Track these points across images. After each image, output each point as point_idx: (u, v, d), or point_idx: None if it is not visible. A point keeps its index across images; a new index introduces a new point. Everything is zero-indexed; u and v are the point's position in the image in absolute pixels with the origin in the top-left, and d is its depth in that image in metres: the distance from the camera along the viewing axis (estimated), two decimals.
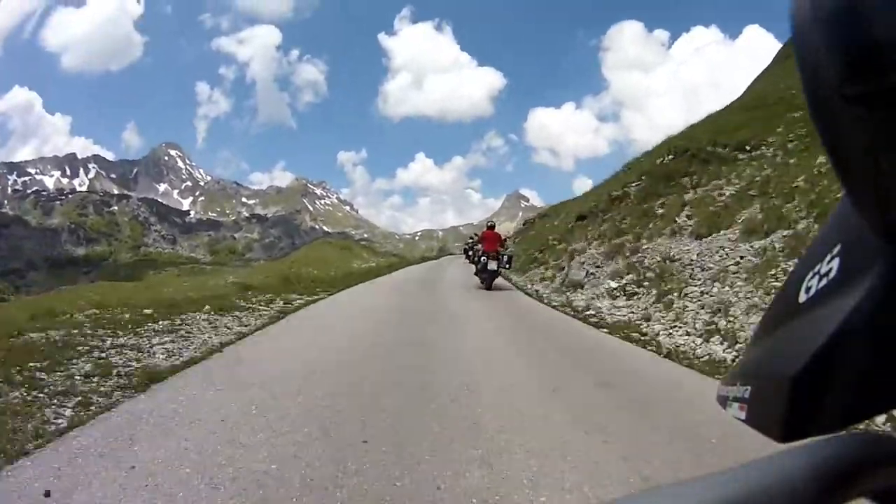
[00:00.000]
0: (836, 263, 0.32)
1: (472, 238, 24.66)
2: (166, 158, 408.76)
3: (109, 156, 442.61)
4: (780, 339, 0.36)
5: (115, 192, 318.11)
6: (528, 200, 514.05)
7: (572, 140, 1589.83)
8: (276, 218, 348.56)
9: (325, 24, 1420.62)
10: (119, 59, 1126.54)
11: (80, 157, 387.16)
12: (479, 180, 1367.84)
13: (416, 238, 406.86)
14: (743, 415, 0.37)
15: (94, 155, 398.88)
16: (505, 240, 14.50)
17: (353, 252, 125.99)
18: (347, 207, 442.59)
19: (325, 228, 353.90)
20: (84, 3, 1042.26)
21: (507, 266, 13.72)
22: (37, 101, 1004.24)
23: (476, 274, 14.24)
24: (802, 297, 0.34)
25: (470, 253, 24.11)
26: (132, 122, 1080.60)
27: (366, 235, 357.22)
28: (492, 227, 14.12)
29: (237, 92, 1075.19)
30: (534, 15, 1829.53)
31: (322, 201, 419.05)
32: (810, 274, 0.34)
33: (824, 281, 0.32)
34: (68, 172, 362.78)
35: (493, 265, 13.08)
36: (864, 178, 0.25)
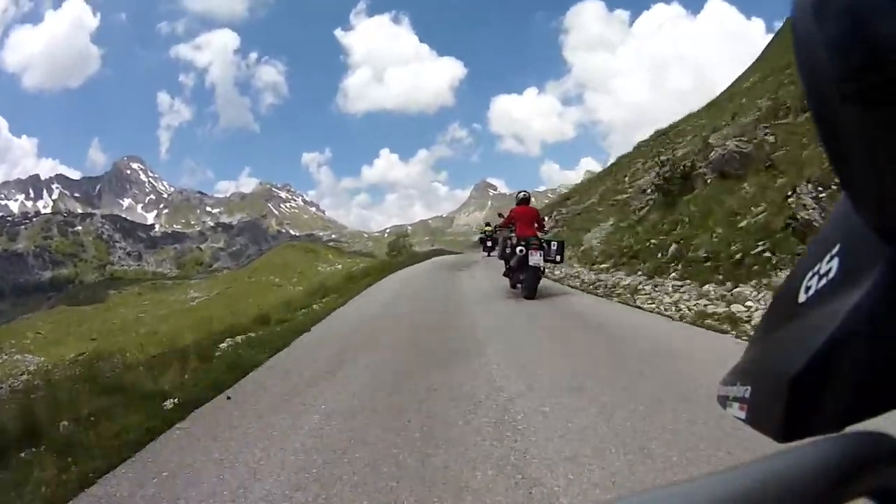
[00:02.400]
0: (835, 263, 0.32)
1: (487, 226, 19.94)
2: (128, 172, 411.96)
3: (73, 174, 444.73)
4: (779, 339, 0.37)
5: (79, 211, 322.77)
6: (496, 189, 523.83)
7: (537, 125, 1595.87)
8: (241, 225, 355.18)
9: (281, 23, 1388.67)
10: (78, 74, 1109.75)
11: (42, 178, 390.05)
12: (446, 172, 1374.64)
13: (385, 235, 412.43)
14: (743, 415, 0.38)
15: (57, 175, 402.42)
16: (544, 219, 9.70)
17: (318, 255, 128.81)
18: (314, 209, 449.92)
19: (292, 232, 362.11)
20: (41, 19, 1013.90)
21: (558, 258, 8.76)
22: (2, 124, 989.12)
23: (507, 274, 9.31)
24: (802, 297, 0.35)
25: (489, 243, 18.42)
26: (96, 138, 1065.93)
27: (333, 236, 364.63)
28: (526, 200, 9.16)
29: (198, 99, 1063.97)
30: (492, 1, 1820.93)
31: (287, 204, 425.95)
32: (810, 274, 0.35)
33: (824, 281, 0.33)
34: (32, 195, 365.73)
35: (535, 258, 8.06)
36: (864, 178, 0.25)
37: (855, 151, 0.25)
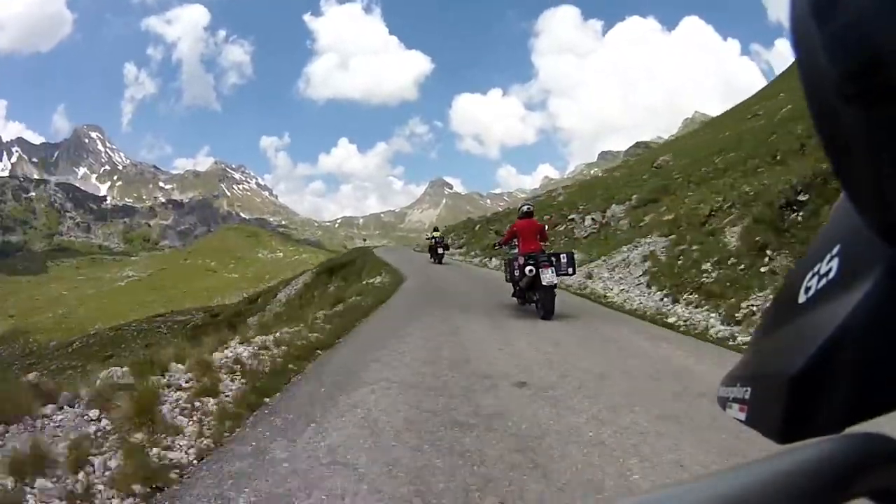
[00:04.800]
0: (835, 263, 0.32)
1: (436, 231, 20.84)
2: (87, 141, 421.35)
3: (36, 140, 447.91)
4: (779, 339, 0.37)
5: (35, 176, 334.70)
6: (451, 187, 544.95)
7: (498, 128, 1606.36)
8: (192, 203, 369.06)
9: (252, 2, 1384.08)
10: (50, 38, 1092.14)
11: (3, 140, 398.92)
12: (403, 167, 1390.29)
13: (336, 225, 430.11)
14: (743, 416, 0.38)
15: (18, 138, 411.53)
16: (546, 230, 9.13)
17: (259, 240, 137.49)
18: (266, 193, 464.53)
19: (242, 215, 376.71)
20: None
21: (570, 271, 8.11)
22: None
23: (515, 296, 8.44)
24: (802, 298, 0.35)
25: (440, 250, 19.50)
26: (62, 104, 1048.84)
27: (283, 222, 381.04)
28: (529, 214, 8.57)
29: (164, 73, 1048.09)
30: None
31: (240, 186, 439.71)
32: (810, 274, 0.35)
33: (824, 281, 0.33)
34: None
35: (548, 276, 7.39)
36: (864, 178, 0.25)
37: (855, 152, 0.25)
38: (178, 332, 32.48)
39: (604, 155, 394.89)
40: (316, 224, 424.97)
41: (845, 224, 0.32)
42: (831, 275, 0.32)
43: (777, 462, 0.28)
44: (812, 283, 0.34)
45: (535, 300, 7.78)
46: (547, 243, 8.70)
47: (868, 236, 0.27)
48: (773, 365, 0.35)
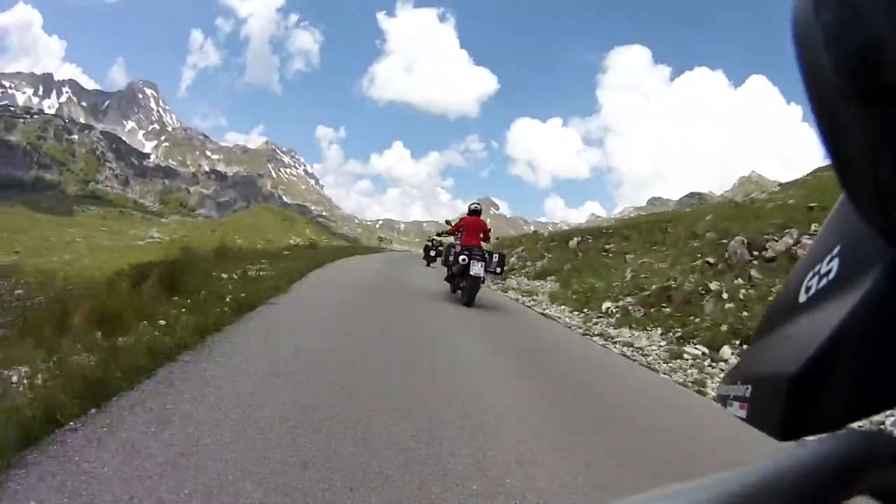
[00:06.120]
0: (835, 263, 0.32)
1: (435, 237, 19.56)
2: (140, 96, 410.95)
3: (86, 83, 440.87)
4: (780, 338, 0.37)
5: (82, 120, 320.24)
6: (497, 208, 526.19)
7: (553, 157, 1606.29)
8: (237, 178, 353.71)
9: None
10: None
11: (56, 78, 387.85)
12: (453, 180, 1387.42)
13: (377, 226, 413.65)
14: (743, 413, 0.38)
15: (70, 79, 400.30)
16: (489, 230, 9.70)
17: (294, 226, 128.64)
18: (312, 182, 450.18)
19: (285, 198, 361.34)
20: None
21: (499, 270, 9.09)
22: (36, 18, 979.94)
23: (448, 279, 9.60)
24: (802, 297, 0.35)
25: (433, 253, 19.48)
26: (121, 58, 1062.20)
27: (324, 213, 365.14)
28: (477, 213, 9.44)
29: (230, 46, 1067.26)
30: (539, 23, 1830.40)
31: (287, 170, 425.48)
32: (810, 274, 0.35)
33: (824, 281, 0.33)
34: (41, 92, 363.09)
35: (477, 268, 8.32)
36: (864, 178, 0.25)
37: (855, 151, 0.25)
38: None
39: (653, 201, 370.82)
40: (356, 221, 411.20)
41: (845, 224, 0.32)
42: (831, 275, 0.32)
43: (777, 462, 0.28)
44: (812, 283, 0.34)
45: (461, 287, 8.86)
46: (489, 242, 9.53)
47: (868, 236, 0.27)
48: (773, 364, 0.35)
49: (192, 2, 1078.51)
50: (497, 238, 24.19)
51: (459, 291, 8.94)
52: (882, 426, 3.84)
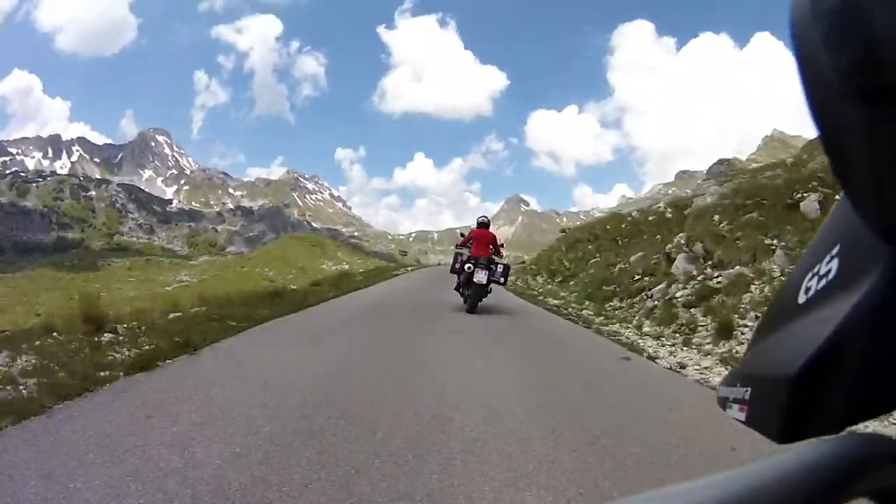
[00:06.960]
0: (835, 264, 0.32)
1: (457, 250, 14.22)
2: (153, 144, 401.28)
3: (97, 139, 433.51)
4: (779, 339, 0.36)
5: (97, 176, 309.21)
6: (527, 204, 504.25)
7: (574, 145, 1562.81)
8: (262, 211, 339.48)
9: (324, 14, 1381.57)
10: (113, 43, 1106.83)
11: (64, 138, 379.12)
12: (479, 183, 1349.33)
13: (411, 239, 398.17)
14: (743, 416, 0.38)
15: (79, 137, 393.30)
16: (502, 245, 10.46)
17: (325, 250, 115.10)
18: (339, 204, 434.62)
19: (314, 224, 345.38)
20: None
21: (503, 280, 9.96)
22: (36, 83, 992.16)
23: (457, 288, 10.30)
24: (802, 298, 0.35)
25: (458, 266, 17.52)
26: (130, 110, 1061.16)
27: (356, 233, 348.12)
28: (485, 225, 10.31)
29: (235, 82, 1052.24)
30: (539, 13, 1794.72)
31: (313, 196, 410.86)
32: (809, 274, 0.34)
33: (824, 281, 0.33)
34: (50, 154, 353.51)
35: (479, 276, 9.23)
36: (864, 178, 0.25)
37: (855, 151, 0.24)
38: None
39: (681, 175, 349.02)
40: (389, 237, 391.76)
41: (845, 224, 0.31)
42: (831, 275, 0.32)
43: (777, 462, 0.28)
44: (812, 284, 0.34)
45: (466, 294, 9.57)
46: (500, 255, 10.19)
47: (868, 236, 0.27)
48: (772, 365, 0.35)
49: (188, 43, 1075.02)
50: (563, 232, 27.91)
51: (464, 298, 9.85)
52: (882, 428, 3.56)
